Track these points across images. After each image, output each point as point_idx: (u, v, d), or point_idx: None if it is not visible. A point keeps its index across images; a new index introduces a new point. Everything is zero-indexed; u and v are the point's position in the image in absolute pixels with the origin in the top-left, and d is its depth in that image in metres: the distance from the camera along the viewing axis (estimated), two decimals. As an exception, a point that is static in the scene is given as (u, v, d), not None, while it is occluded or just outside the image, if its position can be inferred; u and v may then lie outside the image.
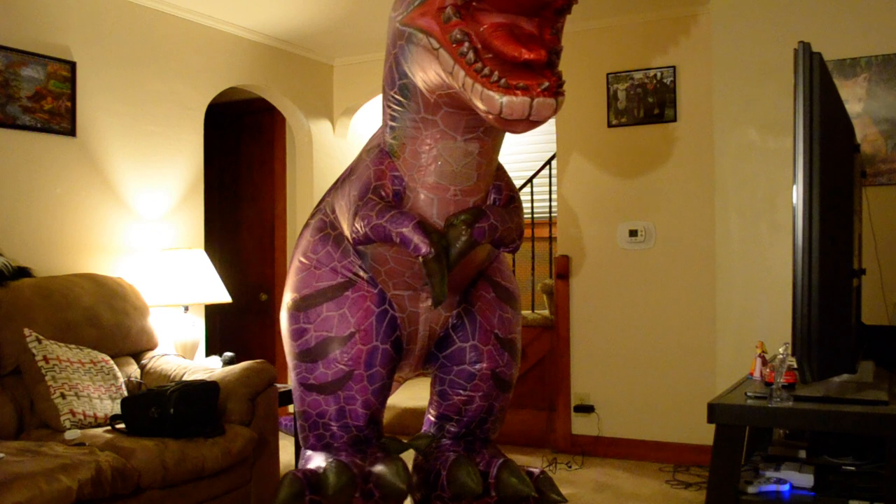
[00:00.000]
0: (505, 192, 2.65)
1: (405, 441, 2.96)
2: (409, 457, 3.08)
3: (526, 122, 2.02)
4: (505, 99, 1.97)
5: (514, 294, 3.00)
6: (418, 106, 2.38)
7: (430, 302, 2.77)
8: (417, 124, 2.42)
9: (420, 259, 2.40)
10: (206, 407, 3.06)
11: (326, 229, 2.86)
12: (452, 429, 2.93)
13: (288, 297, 2.87)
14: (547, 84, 1.99)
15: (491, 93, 1.99)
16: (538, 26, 2.09)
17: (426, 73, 2.24)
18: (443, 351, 2.89)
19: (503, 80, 1.99)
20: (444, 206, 2.49)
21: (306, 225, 2.98)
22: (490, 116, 2.04)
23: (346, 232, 2.65)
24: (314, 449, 2.83)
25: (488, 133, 2.41)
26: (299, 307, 2.80)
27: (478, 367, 2.85)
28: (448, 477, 2.67)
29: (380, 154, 2.58)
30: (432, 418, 2.99)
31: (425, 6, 2.15)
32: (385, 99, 2.53)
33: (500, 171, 2.70)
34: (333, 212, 2.78)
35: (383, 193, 2.52)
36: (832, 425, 2.03)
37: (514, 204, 2.67)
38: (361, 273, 2.75)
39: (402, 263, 2.63)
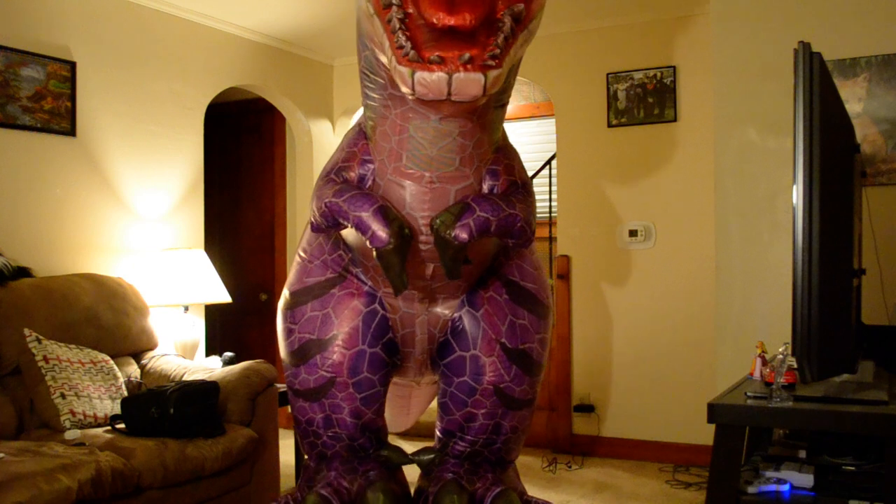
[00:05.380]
0: (503, 177, 2.21)
1: (409, 454, 2.78)
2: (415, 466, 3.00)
3: (448, 104, 1.66)
4: (417, 75, 1.61)
5: (534, 296, 2.53)
6: (384, 80, 2.00)
7: (426, 303, 2.47)
8: (386, 101, 2.04)
9: (374, 251, 2.03)
10: (206, 407, 3.06)
11: None
12: (458, 446, 2.58)
13: (283, 294, 2.74)
14: (468, 56, 1.60)
15: (402, 68, 1.63)
16: None
17: (374, 45, 1.89)
18: (444, 359, 2.55)
19: (412, 53, 1.63)
20: (419, 196, 2.12)
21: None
22: (410, 98, 1.71)
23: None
24: (309, 457, 2.73)
25: (472, 110, 1.97)
26: (288, 305, 2.55)
27: (479, 380, 2.46)
28: (433, 502, 2.38)
29: (357, 135, 2.29)
30: (439, 433, 2.68)
31: None
32: (360, 74, 2.22)
33: (503, 153, 2.28)
34: None
35: (346, 176, 2.20)
36: (832, 425, 2.03)
37: (517, 190, 2.24)
38: (352, 267, 2.49)
39: None
